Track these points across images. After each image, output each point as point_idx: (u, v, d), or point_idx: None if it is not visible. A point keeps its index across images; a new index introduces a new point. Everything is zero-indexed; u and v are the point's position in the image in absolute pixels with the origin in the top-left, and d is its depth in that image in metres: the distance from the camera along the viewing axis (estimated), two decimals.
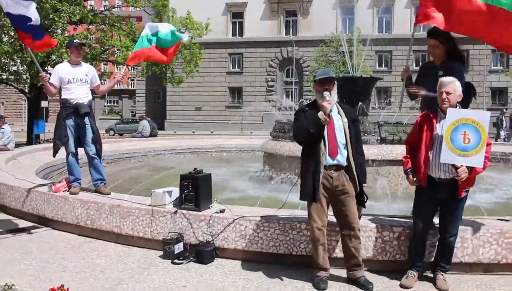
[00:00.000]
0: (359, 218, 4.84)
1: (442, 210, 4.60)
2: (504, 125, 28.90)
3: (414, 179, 4.58)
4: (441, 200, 4.54)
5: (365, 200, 4.78)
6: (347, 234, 4.58)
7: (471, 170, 4.35)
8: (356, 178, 4.57)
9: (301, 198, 4.58)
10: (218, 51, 47.68)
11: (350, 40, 31.55)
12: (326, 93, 4.47)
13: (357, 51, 26.41)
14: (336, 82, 4.66)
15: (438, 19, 5.15)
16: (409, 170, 4.63)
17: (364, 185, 4.70)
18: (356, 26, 31.82)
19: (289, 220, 5.21)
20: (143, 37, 7.41)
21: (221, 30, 46.84)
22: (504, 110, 32.03)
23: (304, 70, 46.87)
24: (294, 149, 9.55)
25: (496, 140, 27.03)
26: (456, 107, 4.48)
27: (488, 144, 4.32)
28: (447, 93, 4.45)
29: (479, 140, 4.24)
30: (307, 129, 4.42)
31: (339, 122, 4.57)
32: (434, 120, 4.50)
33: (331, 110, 4.47)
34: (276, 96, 44.00)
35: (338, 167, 4.52)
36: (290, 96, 47.40)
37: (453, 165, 4.36)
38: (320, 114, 4.39)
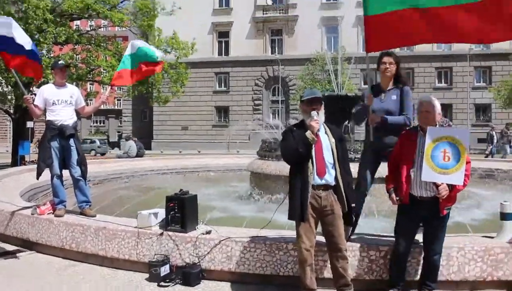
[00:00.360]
0: (348, 237, 4.84)
1: (425, 228, 4.63)
2: (494, 141, 29.30)
3: (397, 198, 4.60)
4: (423, 218, 4.56)
5: (353, 220, 4.78)
6: (334, 255, 4.58)
7: (451, 187, 4.39)
8: (344, 197, 4.57)
9: (290, 218, 4.56)
10: (204, 71, 47.85)
11: (335, 59, 31.92)
12: (313, 113, 4.49)
13: (342, 70, 26.71)
14: (323, 102, 4.69)
15: (388, 43, 5.21)
16: (391, 189, 4.66)
17: (352, 205, 4.71)
18: (341, 44, 32.21)
19: (276, 240, 5.20)
20: (126, 56, 7.43)
21: (207, 50, 47.06)
22: (494, 126, 32.44)
23: (290, 89, 47.15)
24: (281, 168, 9.57)
25: (486, 157, 27.34)
26: (435, 126, 4.54)
27: (468, 162, 4.36)
28: (427, 112, 4.51)
29: (458, 158, 4.29)
30: (296, 148, 4.43)
31: (327, 142, 4.59)
32: (415, 139, 4.55)
33: (318, 130, 4.49)
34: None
35: (326, 187, 4.52)
36: (276, 115, 47.63)
37: (434, 183, 4.39)
38: (308, 134, 4.41)
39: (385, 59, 5.41)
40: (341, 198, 4.56)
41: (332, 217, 4.52)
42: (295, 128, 4.65)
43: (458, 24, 4.73)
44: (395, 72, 5.46)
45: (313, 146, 4.47)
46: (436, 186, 4.37)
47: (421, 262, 4.83)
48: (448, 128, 4.44)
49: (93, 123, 74.25)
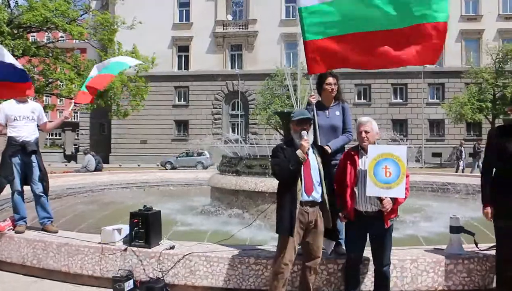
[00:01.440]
0: (331, 252, 5.07)
1: (372, 241, 4.87)
2: (463, 157, 30.09)
3: (343, 215, 4.83)
4: (369, 231, 4.82)
5: (337, 235, 5.02)
6: (308, 266, 4.80)
7: (394, 200, 4.65)
8: (329, 214, 4.78)
9: (278, 232, 4.71)
10: (164, 84, 47.73)
11: (295, 74, 32.40)
12: (304, 133, 4.69)
13: (301, 85, 27.14)
14: (312, 122, 4.91)
15: (326, 66, 5.62)
16: (338, 208, 4.86)
17: (336, 220, 4.91)
18: (300, 60, 32.74)
19: (238, 254, 5.36)
20: (89, 77, 7.60)
21: (167, 64, 46.98)
22: (463, 141, 33.47)
23: (249, 103, 47.53)
24: (241, 183, 9.76)
25: (456, 171, 28.14)
26: (374, 143, 4.81)
27: (407, 176, 4.65)
28: (366, 132, 4.80)
29: (399, 173, 4.56)
30: (287, 166, 4.60)
31: (314, 161, 4.79)
32: (356, 157, 4.81)
33: (308, 149, 4.70)
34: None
35: (313, 203, 4.71)
36: (236, 129, 47.88)
37: (378, 197, 4.65)
38: (299, 153, 4.60)
39: (330, 80, 5.80)
40: (327, 214, 4.77)
41: (315, 231, 4.74)
42: (285, 146, 4.83)
43: (384, 49, 5.18)
44: (337, 90, 5.87)
45: (302, 164, 4.67)
46: (380, 200, 4.64)
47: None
48: (387, 146, 4.72)
49: (49, 136, 72.83)
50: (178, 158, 41.86)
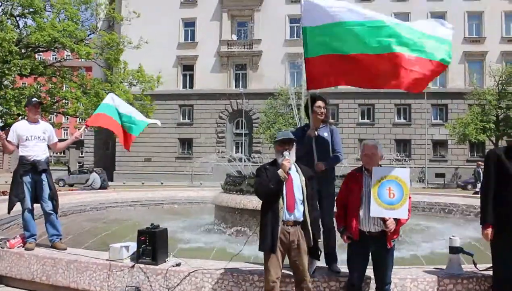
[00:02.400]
0: (314, 270, 5.20)
1: (374, 261, 4.99)
2: (481, 178, 29.97)
3: (348, 236, 4.95)
4: (371, 251, 4.94)
5: (319, 254, 5.15)
6: (300, 286, 4.92)
7: (396, 221, 4.79)
8: (310, 233, 4.90)
9: (260, 249, 4.87)
10: (169, 103, 48.06)
11: (299, 94, 32.63)
12: (285, 153, 4.87)
13: (304, 104, 27.32)
14: (294, 143, 5.07)
15: (327, 81, 5.86)
16: (342, 228, 5.01)
17: (318, 240, 5.06)
18: (304, 80, 32.92)
19: (243, 272, 5.50)
20: (109, 106, 7.70)
21: (172, 82, 47.37)
22: (480, 162, 33.47)
23: (253, 122, 47.77)
24: (245, 201, 9.91)
25: (475, 193, 28.09)
26: (379, 166, 4.97)
27: (409, 198, 4.79)
28: (373, 154, 4.96)
29: (402, 194, 4.72)
30: (268, 185, 4.78)
31: (297, 180, 4.93)
32: (360, 179, 4.96)
33: (290, 169, 4.85)
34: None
35: (295, 222, 4.85)
36: (240, 148, 48.07)
37: (382, 218, 4.79)
38: (280, 172, 4.77)
39: (320, 103, 6.02)
40: (308, 233, 4.89)
41: (298, 251, 4.85)
42: (268, 166, 5.02)
43: (374, 71, 5.42)
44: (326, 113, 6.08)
45: (284, 183, 4.83)
46: (384, 220, 4.77)
47: None
48: (391, 168, 4.87)
49: (54, 153, 73.04)
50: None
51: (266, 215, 4.87)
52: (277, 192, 4.79)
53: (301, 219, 4.87)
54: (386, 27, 5.37)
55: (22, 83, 30.93)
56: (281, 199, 4.82)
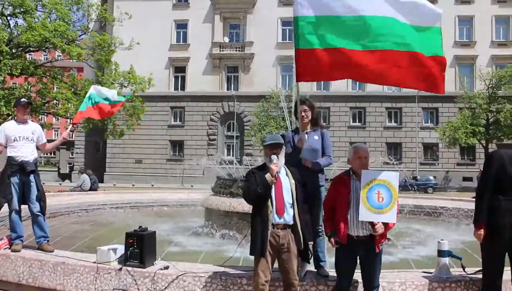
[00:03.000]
0: (304, 273, 5.17)
1: (362, 264, 4.97)
2: None
3: (336, 240, 4.89)
4: (359, 255, 4.91)
5: (310, 257, 5.13)
6: (288, 289, 4.89)
7: (385, 225, 4.77)
8: (301, 236, 4.87)
9: (251, 253, 4.84)
10: (160, 105, 47.98)
11: (290, 97, 32.66)
12: (273, 157, 4.83)
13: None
14: (284, 146, 5.05)
15: (317, 75, 5.77)
16: (330, 232, 4.94)
17: (309, 242, 5.03)
18: (295, 83, 32.95)
19: (231, 275, 5.47)
20: (87, 97, 7.77)
21: (163, 84, 47.30)
22: (481, 169, 33.56)
23: (245, 125, 47.77)
24: (235, 204, 9.89)
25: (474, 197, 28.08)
26: (367, 169, 4.95)
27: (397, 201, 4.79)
28: (365, 158, 4.93)
29: (391, 198, 4.70)
30: (255, 189, 4.75)
31: (287, 183, 4.91)
32: (348, 182, 4.92)
33: (278, 172, 4.83)
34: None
35: (284, 226, 4.83)
36: (231, 150, 48.07)
37: (370, 222, 4.77)
38: (268, 176, 4.74)
39: (302, 107, 6.01)
40: (298, 236, 4.86)
41: (288, 255, 4.83)
42: (257, 170, 4.99)
43: (375, 67, 5.28)
44: (312, 116, 6.04)
45: (273, 186, 4.80)
46: (372, 224, 4.75)
47: None
48: (380, 172, 4.84)
49: (44, 154, 72.64)
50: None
51: (255, 219, 4.85)
52: (265, 196, 4.77)
53: (291, 222, 4.84)
54: (382, 22, 5.30)
55: (13, 83, 30.77)
56: (270, 203, 4.79)
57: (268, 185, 4.74)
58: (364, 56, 5.28)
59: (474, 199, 5.55)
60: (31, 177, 6.87)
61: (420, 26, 5.32)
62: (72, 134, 62.09)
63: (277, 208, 4.80)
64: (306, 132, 5.99)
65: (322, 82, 43.97)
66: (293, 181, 4.94)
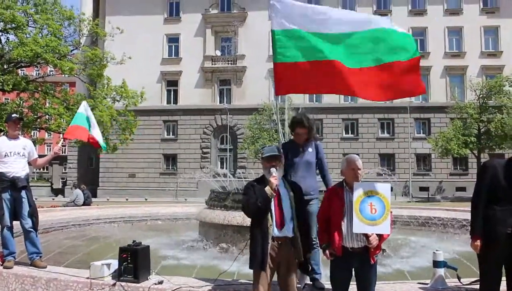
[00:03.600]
0: (303, 285, 5.13)
1: (357, 276, 4.93)
2: None
3: (331, 252, 4.81)
4: (354, 267, 4.86)
5: (310, 269, 5.09)
6: None
7: (379, 236, 4.75)
8: (301, 248, 4.84)
9: (251, 267, 4.77)
10: (153, 118, 47.96)
11: (282, 109, 32.68)
12: (273, 170, 4.79)
13: (288, 120, 27.49)
14: (282, 158, 5.03)
15: (296, 87, 5.86)
16: (325, 244, 4.86)
17: (308, 254, 5.01)
18: (288, 95, 33.17)
19: (226, 289, 5.42)
20: (80, 114, 7.78)
21: (155, 98, 47.39)
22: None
23: (238, 138, 47.77)
24: (230, 218, 9.84)
25: None
26: (360, 181, 4.93)
27: (390, 213, 4.77)
28: (358, 169, 4.90)
29: (384, 210, 4.67)
30: (255, 203, 4.68)
31: (286, 196, 4.88)
32: (342, 194, 4.86)
33: (277, 185, 4.79)
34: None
35: (284, 238, 4.78)
36: (224, 163, 48.02)
37: (365, 234, 4.74)
38: (267, 189, 4.70)
39: (298, 130, 5.99)
40: (298, 249, 4.82)
41: (287, 267, 4.81)
42: (255, 183, 4.93)
43: (349, 80, 5.36)
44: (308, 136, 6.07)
45: (272, 199, 4.76)
46: (367, 236, 4.72)
47: None
48: (372, 183, 4.82)
49: (36, 169, 72.29)
50: None
51: (255, 233, 4.78)
52: (265, 209, 4.72)
53: (291, 235, 4.80)
54: (351, 38, 5.40)
55: (5, 99, 30.67)
56: (269, 216, 4.75)
57: (268, 198, 4.70)
58: (340, 70, 5.36)
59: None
60: (23, 193, 6.82)
61: (383, 28, 5.39)
62: (64, 149, 61.89)
63: (277, 221, 4.76)
64: (301, 146, 6.00)
65: (314, 94, 44.21)
66: (292, 193, 4.90)
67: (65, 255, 9.27)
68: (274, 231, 4.74)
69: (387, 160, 47.00)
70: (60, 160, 69.12)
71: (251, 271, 4.79)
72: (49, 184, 64.15)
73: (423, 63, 46.43)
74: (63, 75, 27.05)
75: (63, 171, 66.93)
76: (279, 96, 6.18)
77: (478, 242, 4.80)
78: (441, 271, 5.67)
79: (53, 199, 41.77)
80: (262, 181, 4.90)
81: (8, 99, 26.70)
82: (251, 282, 5.03)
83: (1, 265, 6.62)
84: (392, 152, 46.96)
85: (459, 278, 5.70)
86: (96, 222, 16.15)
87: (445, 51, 46.97)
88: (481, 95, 40.23)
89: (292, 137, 6.18)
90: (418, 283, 5.79)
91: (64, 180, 60.28)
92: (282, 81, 5.67)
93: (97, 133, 8.25)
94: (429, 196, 43.23)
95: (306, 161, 5.93)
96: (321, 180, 6.26)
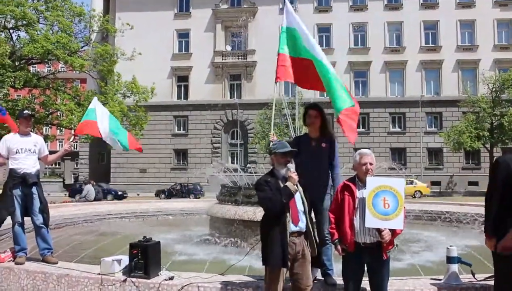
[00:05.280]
0: (315, 279, 5.09)
1: (370, 272, 4.87)
2: None
3: (343, 247, 4.78)
4: (367, 262, 4.80)
5: (321, 262, 5.07)
6: None
7: (392, 232, 4.69)
8: (314, 242, 4.86)
9: (267, 264, 4.71)
10: (163, 114, 48.07)
11: (293, 104, 32.61)
12: (290, 165, 4.79)
13: (299, 114, 27.39)
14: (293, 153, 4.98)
15: (292, 77, 6.68)
16: (337, 240, 4.82)
17: (320, 248, 5.01)
18: (298, 90, 33.05)
19: (237, 285, 5.39)
20: (91, 110, 7.76)
21: (166, 93, 47.47)
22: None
23: (248, 133, 47.74)
24: (240, 212, 9.83)
25: None
26: (373, 175, 4.86)
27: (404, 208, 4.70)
28: (371, 164, 4.83)
29: (397, 205, 4.61)
30: (281, 200, 4.62)
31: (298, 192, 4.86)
32: (354, 189, 4.81)
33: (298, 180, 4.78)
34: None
35: (299, 233, 4.78)
36: (235, 158, 48.01)
37: (377, 229, 4.68)
38: (290, 185, 4.69)
39: (311, 112, 5.93)
40: (312, 242, 4.85)
41: (302, 261, 4.79)
42: (269, 179, 4.84)
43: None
44: (321, 122, 5.93)
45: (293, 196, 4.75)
46: (379, 231, 4.67)
47: None
48: (385, 178, 4.75)
49: (48, 165, 72.74)
50: None
51: (272, 230, 4.69)
52: (287, 206, 4.70)
53: (305, 229, 4.82)
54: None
55: (17, 95, 30.85)
56: (287, 212, 4.73)
57: (292, 194, 4.70)
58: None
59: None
60: (34, 189, 6.82)
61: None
62: (76, 145, 62.20)
63: (293, 217, 4.74)
64: (315, 139, 5.90)
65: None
66: (301, 189, 4.90)
67: (76, 250, 9.28)
68: (291, 226, 4.71)
69: (399, 154, 46.75)
70: (72, 155, 69.52)
71: (263, 266, 4.74)
72: (61, 180, 64.53)
73: (435, 57, 46.23)
74: (74, 72, 27.14)
75: (75, 167, 67.30)
76: (291, 90, 6.68)
77: (493, 240, 4.69)
78: (454, 267, 5.57)
79: (65, 195, 42.02)
80: (272, 175, 4.87)
81: (20, 96, 26.80)
82: (263, 277, 5.01)
83: (13, 261, 6.64)
84: (403, 146, 46.69)
85: (473, 274, 5.60)
86: (107, 217, 16.20)
87: (457, 45, 46.54)
88: (494, 89, 39.84)
89: (303, 131, 6.14)
90: (431, 279, 5.71)
91: (76, 176, 60.64)
92: (282, 70, 6.59)
93: (114, 135, 8.18)
94: (441, 190, 42.96)
95: (317, 155, 5.82)
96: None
